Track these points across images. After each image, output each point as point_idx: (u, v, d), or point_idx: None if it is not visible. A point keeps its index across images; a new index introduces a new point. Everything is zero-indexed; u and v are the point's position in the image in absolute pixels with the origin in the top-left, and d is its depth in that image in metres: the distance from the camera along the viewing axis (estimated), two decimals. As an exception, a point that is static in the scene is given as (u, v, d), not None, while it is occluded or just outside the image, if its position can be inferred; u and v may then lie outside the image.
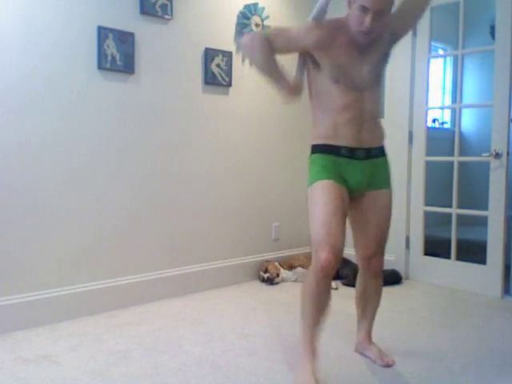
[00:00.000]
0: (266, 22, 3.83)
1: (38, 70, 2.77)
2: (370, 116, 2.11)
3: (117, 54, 3.04)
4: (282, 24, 4.03)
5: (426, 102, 3.84)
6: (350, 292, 3.55)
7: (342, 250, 2.09)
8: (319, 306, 2.11)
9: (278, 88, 2.19)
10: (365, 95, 2.08)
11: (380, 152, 2.20)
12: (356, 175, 2.13)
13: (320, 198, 2.06)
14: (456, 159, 3.72)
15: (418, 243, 3.91)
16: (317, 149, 2.15)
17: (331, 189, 2.06)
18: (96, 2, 2.96)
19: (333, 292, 3.53)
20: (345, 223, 2.12)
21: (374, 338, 2.51)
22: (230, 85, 3.66)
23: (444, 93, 5.30)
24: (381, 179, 2.20)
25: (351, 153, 2.11)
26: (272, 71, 2.15)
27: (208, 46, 3.52)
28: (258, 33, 2.14)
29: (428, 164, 3.87)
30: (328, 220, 2.04)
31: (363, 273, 2.35)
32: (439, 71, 5.25)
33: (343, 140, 2.09)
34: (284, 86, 2.16)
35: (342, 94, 2.06)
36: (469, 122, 5.32)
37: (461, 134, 4.06)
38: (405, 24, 2.22)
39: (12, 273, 2.73)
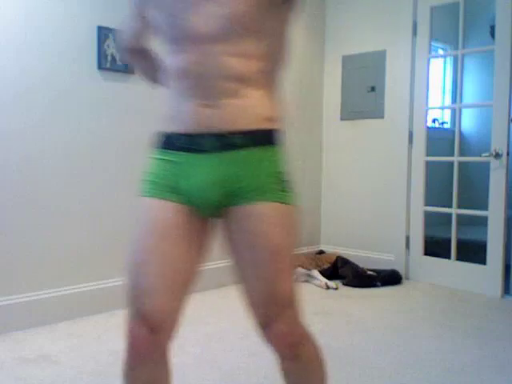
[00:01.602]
0: (265, 22, 3.83)
1: (37, 70, 2.77)
2: (228, 80, 1.25)
3: (117, 54, 3.04)
4: (281, 24, 4.04)
5: (426, 102, 3.84)
6: (350, 292, 3.57)
7: (174, 321, 1.27)
8: None
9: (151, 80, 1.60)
10: (216, 50, 1.25)
11: (254, 138, 1.27)
12: (198, 181, 1.26)
13: (140, 228, 1.28)
14: (456, 159, 3.72)
15: (418, 243, 3.91)
16: (156, 140, 1.37)
17: (158, 221, 1.26)
18: (96, 1, 2.97)
19: (333, 292, 3.57)
20: (186, 271, 1.29)
21: (374, 338, 2.51)
22: (229, 85, 3.66)
23: (444, 93, 5.30)
24: (252, 186, 1.24)
25: (191, 142, 1.26)
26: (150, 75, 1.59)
27: (208, 46, 3.52)
28: (122, 38, 1.52)
29: (428, 164, 3.87)
30: (143, 272, 1.23)
31: (274, 352, 1.33)
32: (439, 71, 5.25)
33: (181, 122, 1.27)
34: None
35: (175, 51, 1.30)
36: (469, 122, 5.33)
37: (461, 134, 4.06)
38: None
39: (12, 273, 2.73)
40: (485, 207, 3.55)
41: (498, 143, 3.44)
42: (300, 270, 3.85)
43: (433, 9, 3.77)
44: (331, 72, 4.38)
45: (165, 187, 1.28)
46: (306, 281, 3.83)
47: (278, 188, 1.27)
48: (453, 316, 3.08)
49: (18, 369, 2.27)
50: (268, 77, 1.32)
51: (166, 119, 1.32)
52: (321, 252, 4.33)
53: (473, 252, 3.74)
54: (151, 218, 1.27)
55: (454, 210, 3.72)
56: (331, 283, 3.68)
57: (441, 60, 5.27)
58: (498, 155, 3.43)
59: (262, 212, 1.24)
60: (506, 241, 3.49)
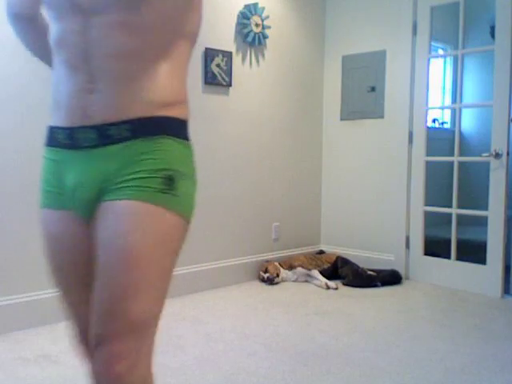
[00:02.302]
0: (266, 22, 3.84)
1: (35, 68, 2.77)
2: (114, 58, 1.03)
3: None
4: (282, 25, 4.04)
5: (426, 102, 3.84)
6: (350, 292, 3.57)
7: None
8: None
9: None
10: (99, 20, 1.03)
11: (139, 129, 1.05)
12: (76, 183, 1.08)
13: (45, 246, 1.16)
14: (456, 159, 3.72)
15: (417, 243, 3.91)
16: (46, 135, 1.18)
17: (57, 237, 1.13)
18: (96, 1, 2.96)
19: (333, 292, 3.57)
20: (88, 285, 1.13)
21: (374, 338, 2.51)
22: (230, 85, 3.67)
23: (444, 93, 5.30)
24: (127, 183, 1.03)
25: (70, 136, 1.08)
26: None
27: (208, 46, 3.53)
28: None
29: (428, 164, 3.87)
30: (64, 290, 1.17)
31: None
32: (439, 71, 5.25)
33: (62, 112, 1.09)
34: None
35: (55, 19, 1.09)
36: (469, 122, 5.33)
37: (461, 134, 4.06)
38: None
39: (12, 273, 2.73)
40: (485, 207, 3.54)
41: (498, 143, 3.44)
42: (300, 269, 3.85)
43: (433, 9, 3.77)
44: (331, 72, 4.38)
45: (55, 195, 1.13)
46: (306, 281, 3.83)
47: (160, 188, 1.03)
48: (453, 316, 3.08)
49: (18, 369, 2.27)
50: (167, 53, 1.08)
51: (51, 108, 1.13)
52: (321, 252, 4.33)
53: (473, 252, 3.74)
54: (50, 234, 1.14)
55: (454, 210, 3.72)
56: (331, 283, 3.68)
57: (441, 60, 5.27)
58: (497, 155, 3.43)
59: (128, 210, 1.01)
60: (506, 241, 3.49)
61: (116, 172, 1.04)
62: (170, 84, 1.08)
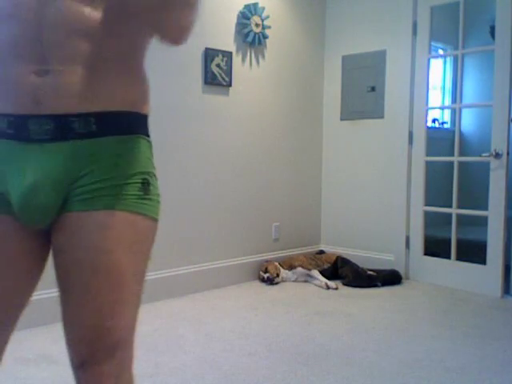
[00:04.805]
0: (266, 22, 3.84)
1: None
2: (74, 34, 0.87)
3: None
4: (282, 25, 4.04)
5: (426, 102, 3.84)
6: (350, 292, 3.57)
7: None
8: None
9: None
10: None
11: (108, 123, 0.92)
12: (26, 182, 0.91)
13: None
14: (456, 159, 3.72)
15: (417, 243, 3.91)
16: None
17: None
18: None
19: (333, 292, 3.57)
20: (12, 307, 1.05)
21: (374, 338, 2.50)
22: (230, 85, 3.67)
23: (444, 93, 5.30)
24: (100, 189, 0.92)
25: (16, 126, 0.90)
26: None
27: (208, 46, 3.53)
28: None
29: (428, 164, 3.87)
30: None
31: None
32: (439, 71, 5.25)
33: (5, 96, 0.91)
34: None
35: None
36: (469, 122, 5.33)
37: (461, 134, 4.06)
38: None
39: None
40: (485, 207, 3.54)
41: (498, 143, 3.44)
42: (300, 269, 3.85)
43: (433, 9, 3.77)
44: (331, 72, 4.38)
45: None
46: (306, 281, 3.83)
47: (139, 195, 0.95)
48: (453, 316, 3.08)
49: (18, 369, 2.27)
50: (134, 37, 0.94)
51: None
52: (321, 252, 4.33)
53: (473, 252, 3.74)
54: None
55: (454, 210, 3.72)
56: (331, 283, 3.67)
57: (441, 60, 5.27)
58: (497, 155, 3.43)
59: (106, 223, 0.91)
60: (506, 241, 3.49)
61: (84, 175, 0.91)
62: (138, 76, 0.96)
